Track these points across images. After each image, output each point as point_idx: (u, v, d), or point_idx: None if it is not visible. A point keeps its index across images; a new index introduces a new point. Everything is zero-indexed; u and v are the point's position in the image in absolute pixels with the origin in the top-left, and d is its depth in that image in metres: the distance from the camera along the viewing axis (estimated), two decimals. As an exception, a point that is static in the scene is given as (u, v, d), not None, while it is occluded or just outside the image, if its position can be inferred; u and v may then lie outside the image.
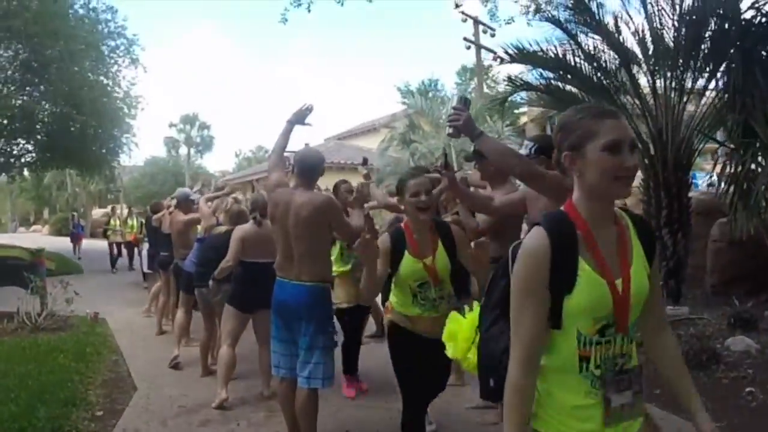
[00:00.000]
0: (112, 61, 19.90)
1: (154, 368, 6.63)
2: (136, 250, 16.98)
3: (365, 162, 6.31)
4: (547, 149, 3.93)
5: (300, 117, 4.48)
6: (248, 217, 6.10)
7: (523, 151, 3.99)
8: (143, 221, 14.52)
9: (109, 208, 25.24)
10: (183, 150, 55.56)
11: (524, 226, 4.50)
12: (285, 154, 4.58)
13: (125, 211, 23.65)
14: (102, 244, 21.04)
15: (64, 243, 23.76)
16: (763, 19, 7.17)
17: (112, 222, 18.92)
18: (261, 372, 5.63)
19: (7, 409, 5.03)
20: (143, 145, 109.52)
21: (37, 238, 34.79)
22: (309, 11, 10.18)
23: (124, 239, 18.02)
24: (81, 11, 18.74)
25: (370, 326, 7.52)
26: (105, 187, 43.37)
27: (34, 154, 20.84)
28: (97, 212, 41.66)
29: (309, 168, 4.24)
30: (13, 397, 5.34)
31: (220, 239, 5.76)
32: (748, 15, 7.31)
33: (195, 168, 51.99)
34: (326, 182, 5.68)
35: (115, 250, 18.29)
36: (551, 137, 4.20)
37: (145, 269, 11.01)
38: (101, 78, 19.48)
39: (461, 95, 3.55)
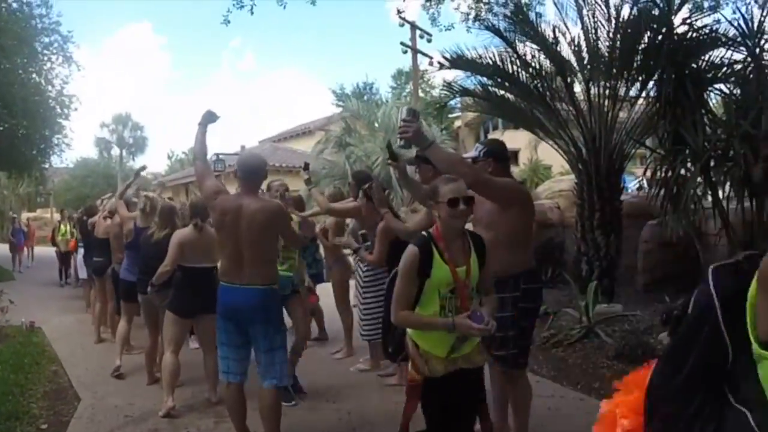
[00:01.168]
0: (45, 58, 19.26)
1: (96, 377, 6.50)
2: (72, 257, 14.90)
3: (307, 167, 6.37)
4: (495, 153, 4.10)
5: (208, 118, 4.50)
6: (179, 213, 6.07)
7: (472, 153, 4.13)
8: (73, 225, 13.99)
9: (56, 213, 23.37)
10: (115, 151, 54.31)
11: (468, 226, 4.63)
12: (221, 156, 4.63)
13: (56, 215, 22.61)
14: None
15: None
16: (695, 34, 7.51)
17: (62, 227, 16.25)
18: (207, 377, 5.60)
19: (-55, 425, 4.89)
20: (74, 145, 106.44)
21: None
22: (252, 13, 10.07)
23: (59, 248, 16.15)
24: (14, 5, 17.98)
25: (313, 330, 7.58)
26: (34, 190, 41.95)
27: (-39, 155, 20.06)
28: (26, 216, 40.28)
29: (252, 172, 4.27)
30: (-49, 414, 5.18)
31: (159, 244, 5.65)
32: (680, 30, 7.64)
33: (127, 170, 50.81)
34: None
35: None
36: (500, 141, 4.39)
37: (81, 275, 10.71)
38: (33, 76, 18.85)
39: (410, 107, 3.67)
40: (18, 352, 7.52)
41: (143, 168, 8.41)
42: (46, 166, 23.20)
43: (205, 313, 5.37)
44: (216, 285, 5.14)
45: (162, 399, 5.33)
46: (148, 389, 6.06)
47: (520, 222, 3.96)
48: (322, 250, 7.74)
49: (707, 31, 7.55)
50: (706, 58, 7.71)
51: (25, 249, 21.34)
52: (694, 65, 7.60)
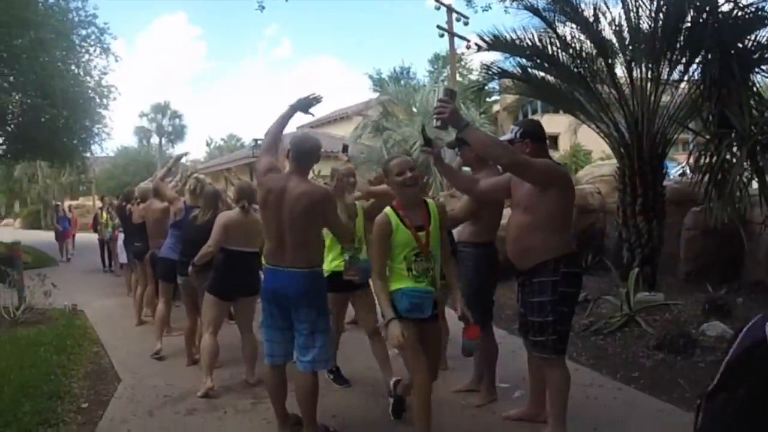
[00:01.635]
0: (83, 50, 19.57)
1: (137, 359, 6.60)
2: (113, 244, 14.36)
3: (345, 149, 6.32)
4: (532, 133, 4.02)
5: (305, 104, 4.38)
6: (223, 198, 6.10)
7: (508, 136, 4.06)
8: (112, 212, 14.05)
9: (98, 200, 23.27)
10: (154, 140, 55.10)
11: (506, 211, 4.57)
12: (260, 142, 4.58)
13: (97, 203, 22.83)
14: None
15: (37, 236, 23.39)
16: (740, 13, 7.28)
17: (104, 215, 15.81)
18: (245, 359, 5.64)
19: (-9, 404, 4.99)
20: (114, 135, 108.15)
21: (10, 231, 34.31)
22: (287, 0, 10.10)
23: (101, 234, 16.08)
24: (51, 0, 18.41)
25: (350, 312, 7.58)
26: (77, 179, 42.83)
27: (4, 146, 20.52)
28: (67, 204, 41.14)
29: (305, 154, 4.18)
30: (-4, 392, 5.30)
31: (202, 228, 5.68)
32: (725, 8, 7.39)
33: (167, 157, 51.49)
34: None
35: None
36: (537, 122, 4.32)
37: (122, 260, 10.88)
38: (72, 67, 19.19)
39: (447, 87, 3.66)
40: (61, 334, 7.67)
41: (184, 154, 8.47)
42: (87, 155, 23.65)
43: (244, 295, 5.40)
44: (256, 269, 5.19)
45: (200, 380, 5.38)
46: (187, 370, 6.14)
47: (559, 204, 3.87)
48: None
49: (753, 9, 7.28)
50: (753, 38, 7.45)
51: (71, 237, 20.59)
52: (740, 45, 7.36)
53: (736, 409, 1.66)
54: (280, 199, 4.01)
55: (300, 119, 36.58)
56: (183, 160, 9.05)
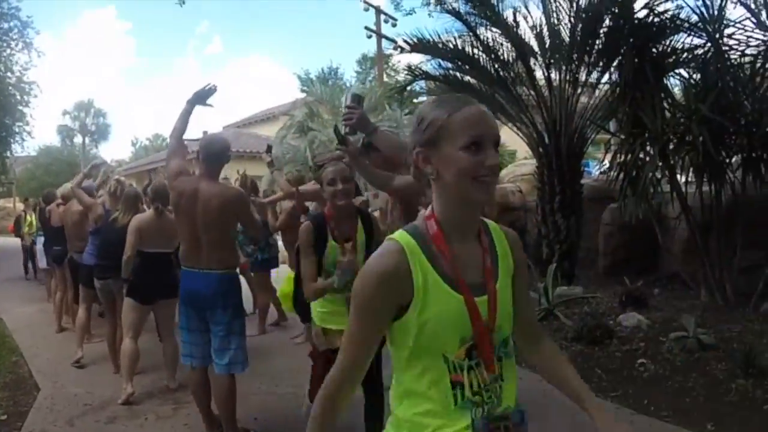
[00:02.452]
0: (4, 44, 18.90)
1: (57, 367, 6.43)
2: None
3: (269, 149, 6.33)
4: None
5: (201, 97, 4.33)
6: (143, 200, 6.03)
7: None
8: (33, 214, 13.51)
9: (21, 201, 21.83)
10: (78, 139, 53.48)
11: (421, 210, 4.66)
12: (185, 142, 4.50)
13: (19, 205, 21.91)
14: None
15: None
16: (655, 19, 7.58)
17: (28, 217, 14.54)
18: (165, 364, 5.59)
19: None
20: (36, 133, 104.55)
21: None
22: (210, -5, 10.02)
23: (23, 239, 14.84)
24: (-29, -8, 17.71)
25: (272, 314, 7.59)
26: (-4, 179, 41.17)
27: None
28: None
29: (215, 155, 4.18)
30: None
31: (122, 230, 5.54)
32: (641, 14, 7.70)
33: (90, 157, 50.06)
34: (225, 171, 5.61)
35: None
36: None
37: (42, 265, 10.53)
38: (-8, 62, 18.52)
39: (354, 93, 3.62)
40: (-23, 343, 7.40)
41: (102, 162, 8.26)
42: (8, 154, 22.80)
43: (163, 298, 5.35)
44: (174, 270, 5.14)
45: (121, 387, 5.30)
46: (108, 378, 6.01)
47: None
48: (277, 235, 7.70)
49: (668, 16, 7.61)
50: (667, 43, 7.79)
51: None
52: (655, 50, 7.68)
53: None
54: (192, 202, 4.02)
55: (226, 119, 36.13)
56: (108, 160, 8.84)
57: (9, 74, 19.37)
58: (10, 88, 19.28)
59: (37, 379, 6.05)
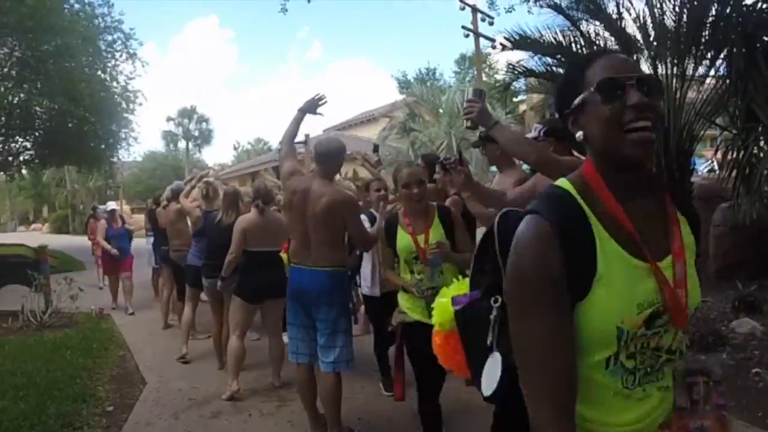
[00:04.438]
0: (109, 55, 19.87)
1: (162, 362, 6.65)
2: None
3: (376, 149, 6.34)
4: (555, 131, 3.97)
5: (312, 106, 4.47)
6: (242, 197, 6.14)
7: (532, 134, 4.01)
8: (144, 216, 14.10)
9: (125, 205, 22.40)
10: (181, 144, 55.54)
11: None
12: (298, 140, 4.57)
13: (125, 207, 22.95)
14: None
15: (64, 240, 23.57)
16: (764, 5, 7.15)
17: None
18: (271, 362, 5.67)
19: (17, 407, 5.03)
20: (141, 139, 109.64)
21: (38, 236, 34.79)
22: (309, 1, 10.13)
23: None
24: (77, 5, 18.71)
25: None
26: (104, 183, 43.34)
27: (32, 152, 20.83)
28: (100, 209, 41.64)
29: (328, 156, 4.22)
30: (22, 395, 5.34)
31: (227, 229, 5.68)
32: (749, 1, 7.27)
33: (194, 162, 51.98)
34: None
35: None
36: (559, 121, 4.25)
37: (151, 263, 10.89)
38: (99, 73, 19.47)
39: (476, 87, 3.59)
40: (87, 337, 7.75)
41: (206, 173, 8.47)
42: (115, 159, 23.91)
43: (270, 297, 5.41)
44: (280, 269, 5.20)
45: (226, 383, 5.40)
46: (213, 374, 6.16)
47: None
48: None
49: (779, 1, 7.15)
50: (779, 30, 7.33)
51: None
52: (766, 37, 7.23)
53: None
54: (304, 200, 4.07)
55: (326, 122, 36.69)
56: (211, 164, 9.17)
57: (115, 84, 20.32)
58: (116, 96, 20.19)
59: (143, 374, 6.27)
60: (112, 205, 10.90)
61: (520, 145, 3.58)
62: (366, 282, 5.45)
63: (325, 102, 4.48)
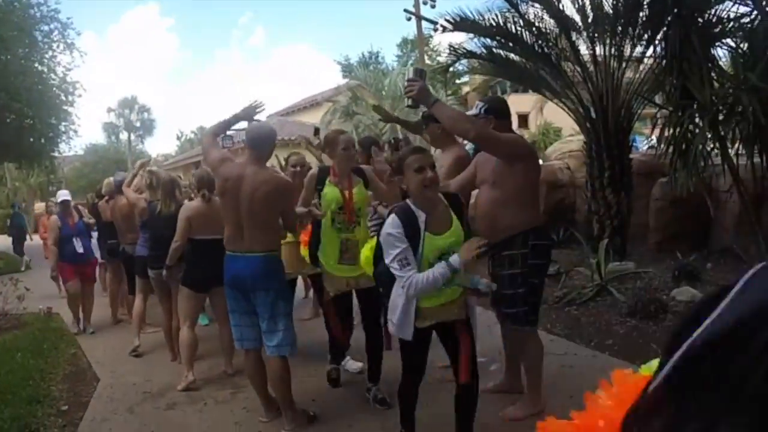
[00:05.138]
0: (46, 46, 19.25)
1: (114, 357, 6.58)
2: None
3: (317, 132, 6.35)
4: (496, 110, 4.08)
5: (248, 114, 4.53)
6: (180, 185, 6.11)
7: (473, 111, 4.11)
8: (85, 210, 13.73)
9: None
10: (123, 135, 54.44)
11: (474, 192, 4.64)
12: (229, 132, 4.68)
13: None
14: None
15: (6, 241, 22.83)
16: (700, -13, 7.38)
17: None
18: (222, 350, 5.68)
19: (-31, 412, 4.95)
20: (82, 132, 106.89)
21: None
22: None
23: None
24: (12, -6, 18.03)
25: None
26: (46, 179, 42.13)
27: (-31, 149, 20.13)
28: (39, 206, 40.52)
29: (261, 142, 4.25)
30: (-26, 400, 5.24)
31: (168, 219, 5.66)
32: (686, -17, 7.48)
33: (137, 153, 50.94)
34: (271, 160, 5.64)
35: None
36: (501, 98, 4.38)
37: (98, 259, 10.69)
38: (36, 65, 18.84)
39: (416, 67, 3.69)
40: (37, 337, 7.59)
41: (147, 160, 8.34)
42: (56, 154, 23.24)
43: (218, 285, 5.40)
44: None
45: (179, 374, 5.41)
46: (166, 366, 6.14)
47: (526, 178, 3.94)
48: None
49: (713, -16, 7.38)
50: (713, 12, 7.55)
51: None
52: (701, 20, 7.46)
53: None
54: (237, 186, 4.09)
55: (269, 108, 36.28)
56: (154, 155, 9.02)
57: (53, 75, 19.69)
58: (54, 89, 19.59)
59: (96, 370, 6.20)
60: (63, 195, 8.35)
61: (460, 122, 3.68)
62: None
63: (263, 110, 4.58)
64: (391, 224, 3.17)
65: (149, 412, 4.94)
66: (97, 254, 9.73)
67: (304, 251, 5.18)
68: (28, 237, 19.61)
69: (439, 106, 3.64)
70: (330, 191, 4.53)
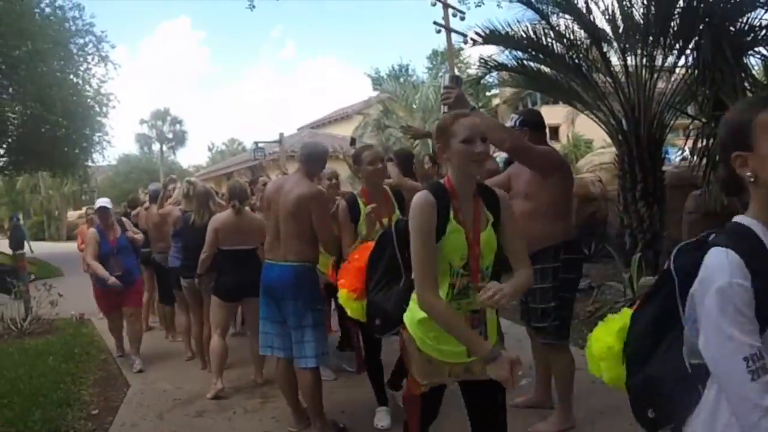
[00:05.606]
0: (81, 59, 19.68)
1: (145, 364, 6.61)
2: None
3: (353, 142, 6.39)
4: (531, 122, 4.06)
5: None
6: (214, 197, 6.18)
7: (508, 124, 4.11)
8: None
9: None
10: (155, 146, 55.15)
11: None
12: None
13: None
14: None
15: (40, 247, 23.28)
16: (732, -3, 7.30)
17: None
18: (253, 359, 5.68)
19: (2, 414, 5.02)
20: (115, 143, 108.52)
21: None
22: (277, -1, 10.16)
23: None
24: (47, 9, 18.50)
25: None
26: (79, 188, 42.86)
27: (5, 158, 20.58)
28: (72, 214, 41.26)
29: (312, 159, 4.34)
30: (7, 402, 5.32)
31: (201, 230, 5.69)
32: (716, -8, 7.41)
33: (169, 164, 51.64)
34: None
35: None
36: (536, 111, 4.36)
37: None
38: (71, 77, 19.30)
39: (452, 74, 3.66)
40: (69, 342, 7.70)
41: (173, 179, 8.38)
42: (89, 164, 23.69)
43: (250, 295, 5.44)
44: (257, 267, 5.26)
45: (210, 382, 5.44)
46: (196, 373, 6.20)
47: (560, 191, 3.92)
48: None
49: (744, -9, 7.29)
50: (744, 21, 7.47)
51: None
52: (732, 28, 7.38)
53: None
54: (277, 195, 4.21)
55: (300, 121, 36.45)
56: (185, 166, 9.07)
57: (87, 87, 20.16)
58: (89, 100, 20.01)
59: (126, 376, 6.27)
60: (102, 202, 6.95)
61: (496, 131, 3.66)
62: None
63: None
64: (730, 268, 1.49)
65: (178, 418, 4.97)
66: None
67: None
68: (28, 249, 19.36)
69: (476, 113, 3.64)
70: (453, 235, 2.64)
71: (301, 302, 4.14)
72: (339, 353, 5.92)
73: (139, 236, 7.32)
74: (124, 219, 7.61)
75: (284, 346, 4.27)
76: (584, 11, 8.55)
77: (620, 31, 8.61)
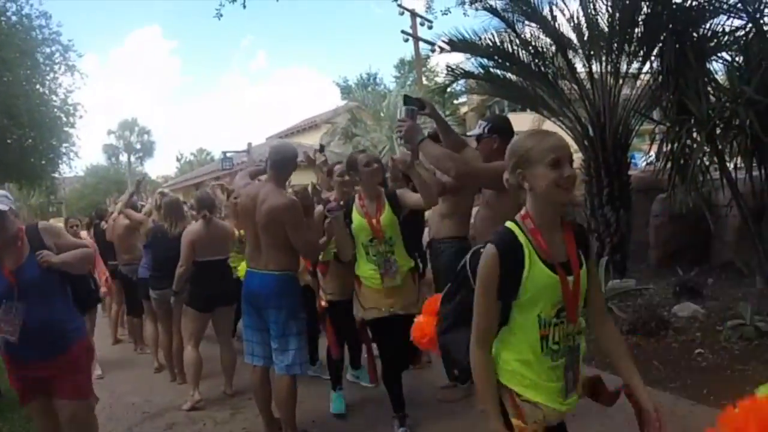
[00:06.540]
0: (48, 68, 19.35)
1: (114, 377, 6.57)
2: None
3: (322, 149, 6.36)
4: (500, 129, 4.08)
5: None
6: (182, 207, 6.13)
7: (476, 131, 4.13)
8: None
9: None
10: (123, 157, 54.61)
11: (474, 210, 4.66)
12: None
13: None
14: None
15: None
16: (694, 2, 7.42)
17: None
18: (223, 370, 5.67)
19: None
20: (83, 153, 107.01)
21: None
22: (244, 7, 10.05)
23: None
24: (14, 18, 18.10)
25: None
26: (46, 200, 42.16)
27: (-31, 170, 20.17)
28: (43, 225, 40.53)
29: (283, 162, 4.29)
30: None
31: (174, 241, 5.62)
32: (679, -1, 7.54)
33: (136, 175, 51.04)
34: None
35: None
36: (505, 117, 4.39)
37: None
38: (37, 87, 18.91)
39: (408, 107, 3.65)
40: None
41: (143, 178, 8.32)
42: (56, 175, 23.29)
43: (222, 305, 5.42)
44: (229, 276, 5.25)
45: (179, 394, 5.42)
46: (165, 386, 6.13)
47: (515, 203, 3.92)
48: None
49: (706, -2, 7.43)
50: (707, 26, 7.59)
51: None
52: (695, 34, 7.51)
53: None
54: (253, 204, 4.17)
55: (268, 130, 36.33)
56: (154, 177, 8.97)
57: (54, 97, 19.78)
58: (56, 110, 19.68)
59: (95, 390, 6.15)
60: None
61: (443, 160, 3.70)
62: None
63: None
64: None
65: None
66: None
67: None
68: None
69: (425, 144, 3.66)
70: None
71: (285, 311, 4.14)
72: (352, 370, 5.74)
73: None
74: (83, 233, 7.50)
75: (264, 354, 4.26)
76: (550, 19, 8.68)
77: (585, 38, 8.75)
